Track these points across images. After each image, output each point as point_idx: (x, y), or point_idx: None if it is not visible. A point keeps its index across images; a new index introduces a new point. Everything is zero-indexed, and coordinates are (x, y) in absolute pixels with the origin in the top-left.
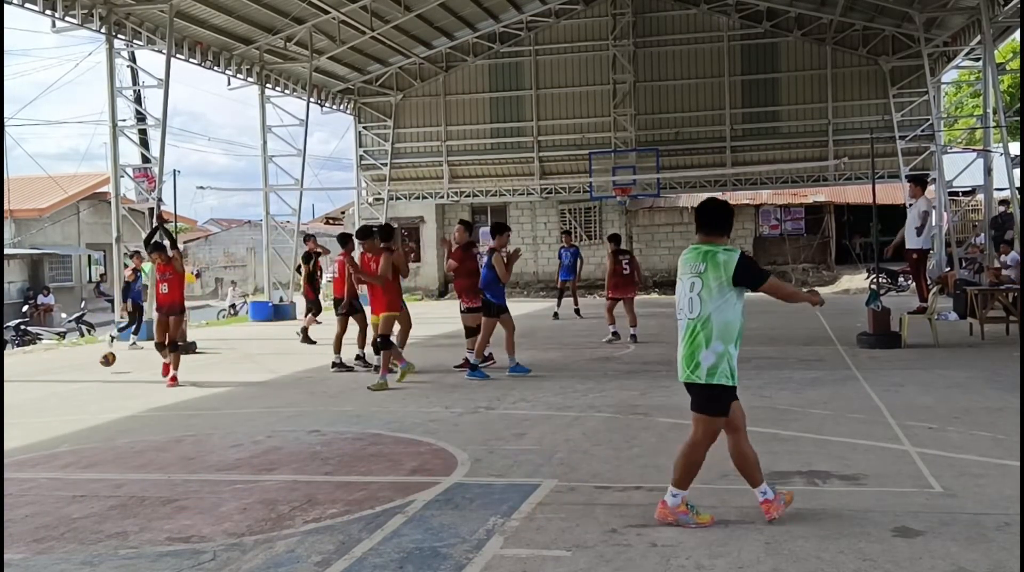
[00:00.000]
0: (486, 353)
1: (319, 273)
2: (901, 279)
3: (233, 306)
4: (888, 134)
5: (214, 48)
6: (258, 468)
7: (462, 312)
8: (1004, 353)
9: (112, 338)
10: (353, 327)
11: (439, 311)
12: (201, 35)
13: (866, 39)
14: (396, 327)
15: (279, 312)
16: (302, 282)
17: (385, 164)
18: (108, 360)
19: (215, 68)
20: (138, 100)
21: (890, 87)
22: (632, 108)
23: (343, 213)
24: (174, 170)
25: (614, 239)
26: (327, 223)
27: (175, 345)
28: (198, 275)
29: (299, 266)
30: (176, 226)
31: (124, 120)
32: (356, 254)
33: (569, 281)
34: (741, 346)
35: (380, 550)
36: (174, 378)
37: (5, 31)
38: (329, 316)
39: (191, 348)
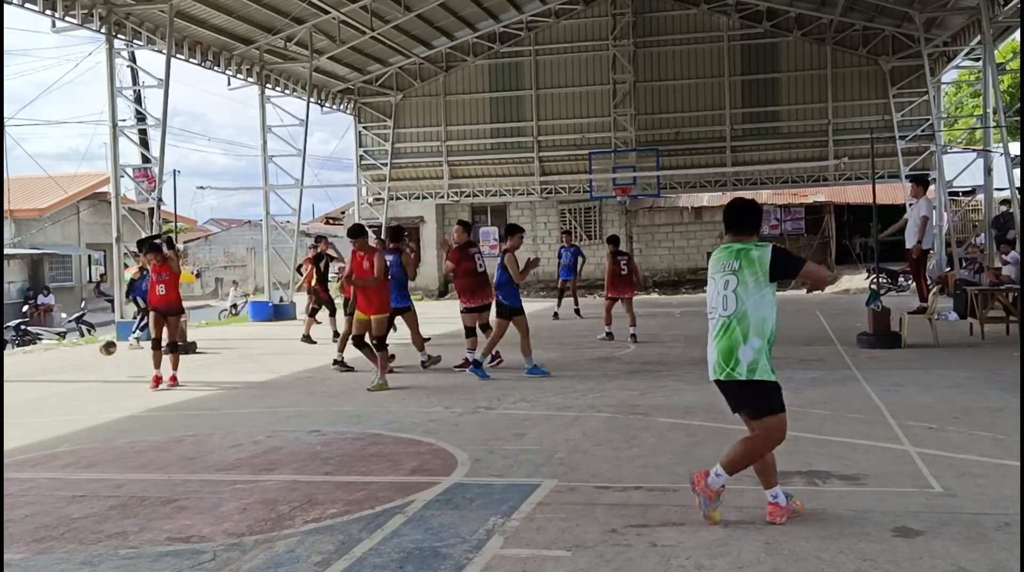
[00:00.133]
0: (493, 352)
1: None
2: (901, 279)
3: (235, 306)
4: (888, 134)
5: (214, 48)
6: (258, 468)
7: (461, 312)
8: (1004, 353)
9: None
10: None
11: (439, 311)
12: (201, 35)
13: (866, 39)
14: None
15: (279, 312)
16: (303, 282)
17: (385, 164)
18: (108, 350)
19: (215, 68)
20: (138, 100)
21: (890, 87)
22: (632, 108)
23: (343, 213)
24: (174, 170)
25: (613, 240)
26: (327, 223)
27: (175, 345)
28: (198, 275)
29: (300, 266)
30: (176, 226)
31: (124, 120)
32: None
33: (569, 281)
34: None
35: (380, 550)
36: (174, 378)
37: (5, 31)
38: (326, 315)
39: (191, 348)
